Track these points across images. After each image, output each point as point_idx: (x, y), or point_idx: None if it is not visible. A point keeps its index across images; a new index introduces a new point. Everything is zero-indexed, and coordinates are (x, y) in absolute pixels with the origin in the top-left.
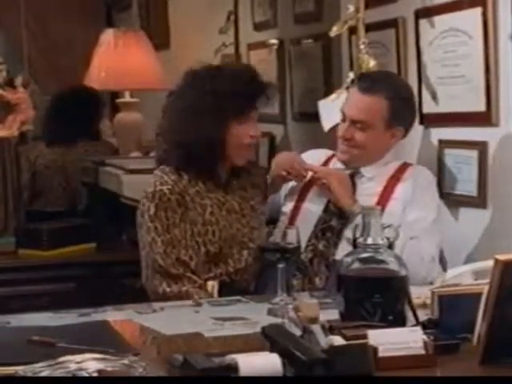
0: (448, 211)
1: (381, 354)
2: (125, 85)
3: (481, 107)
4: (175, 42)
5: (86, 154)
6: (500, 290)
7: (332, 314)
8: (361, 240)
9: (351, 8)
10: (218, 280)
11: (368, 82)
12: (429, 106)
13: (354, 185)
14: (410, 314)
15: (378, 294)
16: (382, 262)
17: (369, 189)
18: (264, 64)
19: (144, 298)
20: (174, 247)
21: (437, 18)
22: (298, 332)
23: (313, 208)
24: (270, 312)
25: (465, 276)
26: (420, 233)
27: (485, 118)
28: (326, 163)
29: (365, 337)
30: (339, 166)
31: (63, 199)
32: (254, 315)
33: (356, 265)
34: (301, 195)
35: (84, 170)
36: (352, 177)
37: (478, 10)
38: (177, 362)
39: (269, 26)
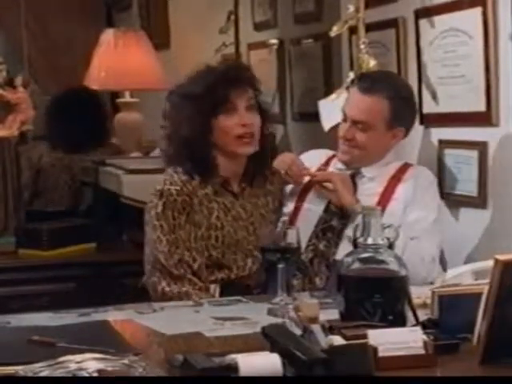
0: (448, 211)
1: (381, 353)
2: (125, 85)
3: (481, 107)
4: (175, 42)
5: (93, 154)
6: (500, 290)
7: (332, 314)
8: (361, 240)
9: (351, 8)
10: (220, 283)
11: (368, 82)
12: (429, 106)
13: (354, 185)
14: (410, 314)
15: (378, 294)
16: (383, 262)
17: (369, 189)
18: (264, 64)
19: (144, 298)
20: (177, 247)
21: (437, 18)
22: (298, 332)
23: (313, 208)
24: (270, 312)
25: (465, 276)
26: (420, 233)
27: (485, 118)
28: (326, 163)
29: (365, 337)
30: (340, 166)
31: (67, 198)
32: (254, 315)
33: (356, 265)
34: (301, 195)
35: (84, 169)
36: (353, 177)
37: (478, 10)
38: (177, 361)
39: (269, 26)
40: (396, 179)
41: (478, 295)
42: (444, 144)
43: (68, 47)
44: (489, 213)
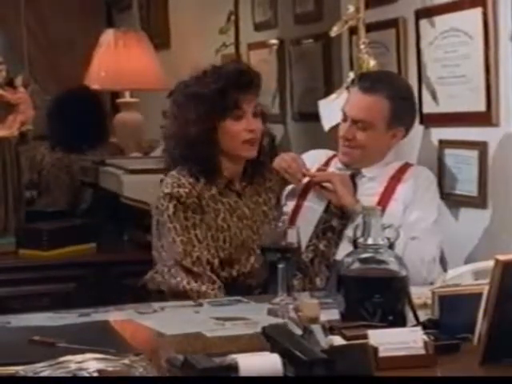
0: (448, 211)
1: (381, 353)
2: (125, 85)
3: (481, 107)
4: (175, 42)
5: (93, 154)
6: (500, 290)
7: (332, 314)
8: (361, 240)
9: (351, 8)
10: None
11: (368, 81)
12: (429, 106)
13: (354, 185)
14: (410, 315)
15: (378, 294)
16: (383, 262)
17: (370, 189)
18: (264, 64)
19: (144, 298)
20: (194, 246)
21: (437, 18)
22: (298, 332)
23: (314, 208)
24: (271, 312)
25: (465, 276)
26: (421, 233)
27: (485, 118)
28: (326, 163)
29: (365, 337)
30: (340, 166)
31: (67, 198)
32: (255, 315)
33: (356, 265)
34: (301, 195)
35: (84, 169)
36: (353, 177)
37: (479, 10)
38: (177, 361)
39: (269, 26)
40: (396, 179)
41: (479, 295)
42: (444, 144)
43: (68, 47)
44: (489, 213)
